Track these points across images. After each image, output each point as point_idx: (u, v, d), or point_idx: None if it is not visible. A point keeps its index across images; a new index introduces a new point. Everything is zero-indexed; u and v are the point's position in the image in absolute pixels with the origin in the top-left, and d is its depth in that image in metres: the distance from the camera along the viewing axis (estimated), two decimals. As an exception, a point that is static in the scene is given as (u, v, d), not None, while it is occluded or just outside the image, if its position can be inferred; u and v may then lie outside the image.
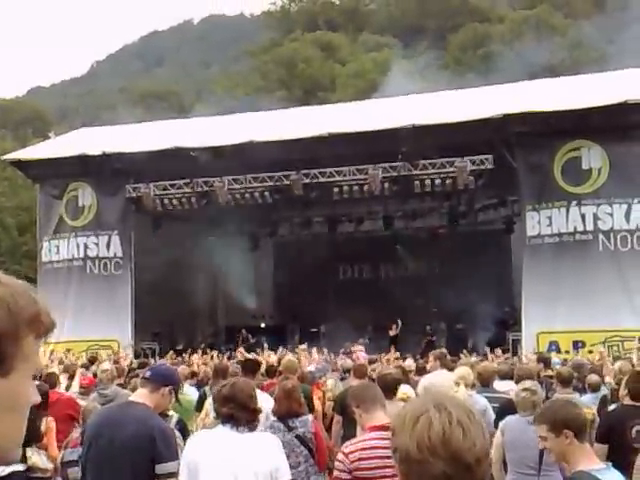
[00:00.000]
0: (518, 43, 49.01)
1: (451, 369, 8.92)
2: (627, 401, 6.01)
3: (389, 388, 5.72)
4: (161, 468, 3.97)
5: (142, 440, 4.00)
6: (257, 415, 4.32)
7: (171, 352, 18.96)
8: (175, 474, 4.02)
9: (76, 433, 6.97)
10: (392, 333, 23.28)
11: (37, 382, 8.67)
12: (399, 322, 23.38)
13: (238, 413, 4.20)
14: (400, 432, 1.73)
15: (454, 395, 1.86)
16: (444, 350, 10.56)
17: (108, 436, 4.09)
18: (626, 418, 5.77)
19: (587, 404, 6.94)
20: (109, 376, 8.55)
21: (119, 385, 8.60)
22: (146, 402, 4.26)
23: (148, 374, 4.44)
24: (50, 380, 8.79)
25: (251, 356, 12.84)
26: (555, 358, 13.60)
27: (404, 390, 6.97)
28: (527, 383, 6.07)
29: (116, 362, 11.59)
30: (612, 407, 6.45)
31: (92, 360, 11.80)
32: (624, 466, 3.86)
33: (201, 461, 4.08)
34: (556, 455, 3.69)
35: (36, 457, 7.08)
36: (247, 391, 4.34)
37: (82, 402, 7.93)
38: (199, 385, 9.88)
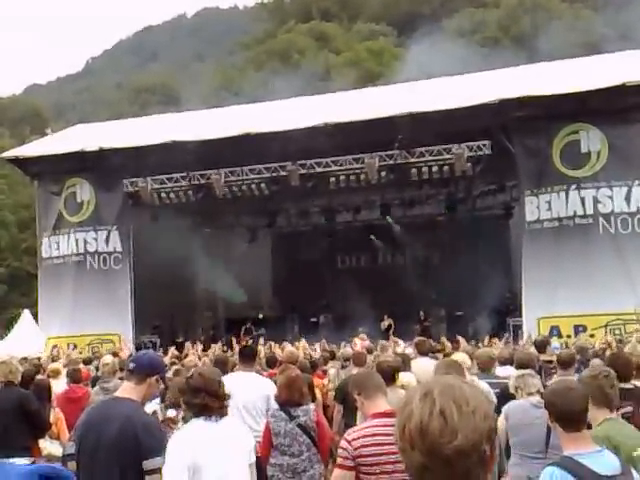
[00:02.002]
0: (515, 28, 48.92)
1: (425, 353, 8.92)
2: None
3: (387, 376, 5.69)
4: (147, 464, 3.95)
5: (126, 438, 3.97)
6: (226, 401, 4.31)
7: (172, 348, 18.94)
8: (159, 470, 3.97)
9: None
10: (384, 327, 23.27)
11: (39, 377, 8.70)
12: (385, 317, 23.38)
13: (210, 402, 4.19)
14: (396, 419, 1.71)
15: (457, 381, 1.76)
16: (421, 338, 10.50)
17: (94, 435, 4.08)
18: None
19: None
20: (110, 370, 8.56)
21: (121, 379, 8.59)
22: (132, 396, 4.21)
23: (131, 366, 4.36)
24: (75, 375, 8.84)
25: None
26: (555, 343, 13.58)
27: (405, 378, 6.95)
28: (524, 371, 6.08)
29: (115, 354, 11.57)
30: None
31: (87, 361, 11.80)
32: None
33: (199, 461, 4.05)
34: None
35: (50, 446, 7.19)
36: (215, 379, 4.34)
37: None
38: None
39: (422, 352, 8.92)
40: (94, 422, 4.18)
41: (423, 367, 7.74)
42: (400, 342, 14.47)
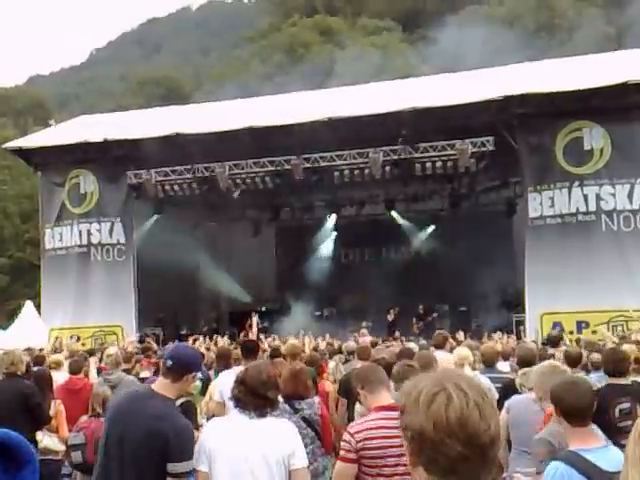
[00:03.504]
0: (517, 24, 48.83)
1: (441, 346, 8.90)
2: (610, 380, 6.00)
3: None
4: (172, 467, 3.90)
5: (156, 438, 3.91)
6: (268, 403, 4.20)
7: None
8: (186, 474, 3.95)
9: (84, 417, 7.05)
10: (390, 318, 23.38)
11: (39, 368, 8.73)
12: (396, 309, 23.46)
13: (245, 397, 4.15)
14: (413, 410, 1.71)
15: (467, 374, 1.83)
16: (440, 331, 10.51)
17: (121, 425, 4.04)
18: (609, 397, 5.75)
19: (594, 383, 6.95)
20: (114, 361, 8.58)
21: (124, 370, 8.63)
22: (167, 393, 4.13)
23: (169, 364, 4.19)
24: (75, 366, 8.81)
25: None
26: (566, 339, 13.54)
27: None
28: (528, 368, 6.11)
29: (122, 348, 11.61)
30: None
31: (91, 353, 11.82)
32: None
33: (216, 449, 4.07)
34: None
35: (47, 440, 7.19)
36: (259, 377, 4.23)
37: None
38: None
39: (438, 346, 8.92)
40: (124, 413, 4.11)
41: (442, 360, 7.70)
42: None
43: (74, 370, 8.72)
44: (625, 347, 7.80)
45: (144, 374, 9.06)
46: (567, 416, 3.67)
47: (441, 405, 1.67)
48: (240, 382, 4.25)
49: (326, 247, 28.58)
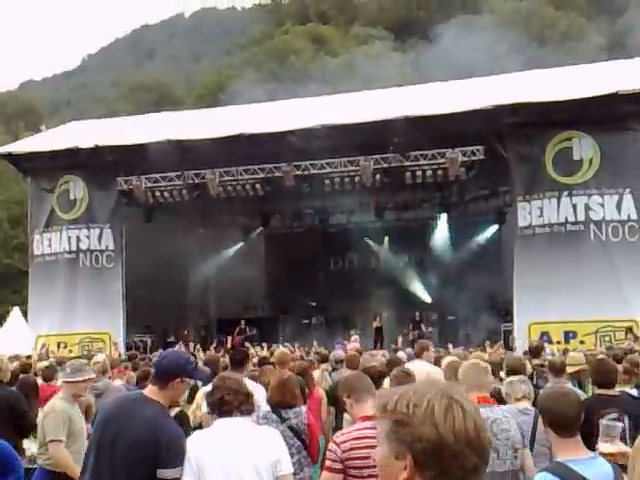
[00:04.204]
0: (510, 34, 48.98)
1: (419, 355, 8.89)
2: (597, 390, 5.99)
3: (373, 381, 5.72)
4: (163, 473, 3.90)
5: (148, 445, 3.91)
6: (250, 399, 4.27)
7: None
8: None
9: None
10: (376, 324, 23.36)
11: (24, 375, 8.67)
12: (384, 315, 23.42)
13: (229, 397, 4.18)
14: (427, 422, 1.64)
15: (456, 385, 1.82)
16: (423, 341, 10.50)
17: (114, 430, 4.03)
18: (597, 408, 5.74)
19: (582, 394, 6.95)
20: (100, 369, 8.54)
21: (110, 378, 8.60)
22: (160, 399, 4.15)
23: (153, 370, 4.28)
24: (48, 373, 8.78)
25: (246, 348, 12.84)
26: (547, 349, 13.60)
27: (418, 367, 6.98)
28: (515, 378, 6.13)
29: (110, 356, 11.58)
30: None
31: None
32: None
33: (204, 459, 4.05)
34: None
35: (34, 447, 7.13)
36: (234, 379, 4.35)
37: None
38: (203, 383, 9.85)
39: (417, 355, 8.91)
40: (116, 417, 4.11)
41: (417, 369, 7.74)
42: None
43: (47, 377, 8.71)
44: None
45: (116, 383, 8.98)
46: (554, 426, 3.66)
47: (460, 416, 1.64)
48: (218, 387, 4.28)
49: (317, 254, 28.54)
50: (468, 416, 1.64)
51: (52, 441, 5.79)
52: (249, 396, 4.29)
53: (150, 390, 4.22)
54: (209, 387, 6.56)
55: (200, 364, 10.29)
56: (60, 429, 5.82)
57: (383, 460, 1.72)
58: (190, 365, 4.28)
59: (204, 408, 6.94)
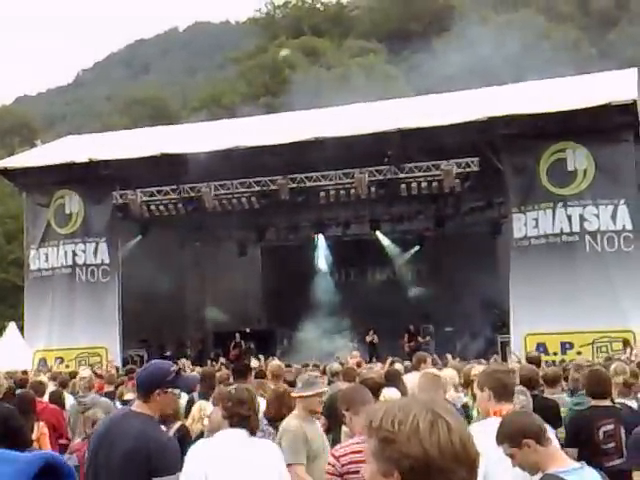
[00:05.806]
0: (503, 46, 49.22)
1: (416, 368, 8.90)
2: (593, 402, 5.96)
3: (371, 392, 5.71)
4: None
5: (138, 455, 3.93)
6: (256, 418, 4.40)
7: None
8: None
9: (78, 440, 6.96)
10: (369, 339, 23.37)
11: (20, 390, 8.64)
12: (371, 332, 23.46)
13: (252, 415, 4.28)
14: (412, 439, 1.61)
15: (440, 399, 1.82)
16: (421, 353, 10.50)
17: (106, 448, 4.07)
18: (593, 419, 5.72)
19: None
20: (87, 384, 8.54)
21: (108, 393, 8.58)
22: (146, 412, 4.16)
23: (136, 385, 4.36)
24: (37, 388, 8.74)
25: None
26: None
27: (389, 394, 6.95)
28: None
29: (96, 373, 11.52)
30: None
31: (73, 375, 11.74)
32: (593, 468, 3.87)
33: (209, 472, 4.06)
34: (529, 468, 3.64)
35: None
36: (253, 393, 4.48)
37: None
38: (187, 391, 9.82)
39: (413, 367, 8.93)
40: (108, 434, 4.15)
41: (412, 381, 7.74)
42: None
43: (36, 392, 8.68)
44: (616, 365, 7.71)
45: (128, 396, 8.97)
46: (537, 440, 3.64)
47: (445, 431, 1.62)
48: (243, 401, 4.30)
49: (312, 268, 28.50)
50: (453, 430, 1.62)
51: None
52: (257, 408, 4.39)
53: (137, 404, 4.28)
54: (208, 402, 6.57)
55: (189, 372, 10.30)
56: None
57: (372, 477, 1.70)
58: (169, 375, 4.24)
59: (205, 421, 6.94)
